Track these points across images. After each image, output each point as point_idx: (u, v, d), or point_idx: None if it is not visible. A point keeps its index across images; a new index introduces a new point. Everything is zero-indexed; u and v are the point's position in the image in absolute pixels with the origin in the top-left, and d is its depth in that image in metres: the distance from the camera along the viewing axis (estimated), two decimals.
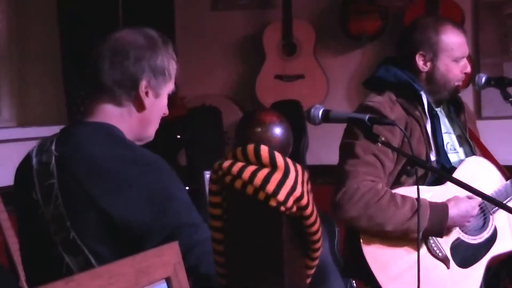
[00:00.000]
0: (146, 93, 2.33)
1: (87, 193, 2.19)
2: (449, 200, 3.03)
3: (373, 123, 2.64)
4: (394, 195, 3.00)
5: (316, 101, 5.55)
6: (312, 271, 2.59)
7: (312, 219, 2.38)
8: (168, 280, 1.77)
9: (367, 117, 2.64)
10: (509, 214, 3.08)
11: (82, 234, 2.20)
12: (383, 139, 2.63)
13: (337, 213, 2.99)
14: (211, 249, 2.19)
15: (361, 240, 3.01)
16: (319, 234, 2.46)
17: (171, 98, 6.36)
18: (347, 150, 3.09)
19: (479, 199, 3.04)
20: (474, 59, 5.55)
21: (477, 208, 3.06)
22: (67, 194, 2.23)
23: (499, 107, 5.16)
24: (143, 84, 2.31)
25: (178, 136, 5.51)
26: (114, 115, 2.32)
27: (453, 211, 3.01)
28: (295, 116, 5.46)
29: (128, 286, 1.63)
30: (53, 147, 2.29)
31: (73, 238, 2.20)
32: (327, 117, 2.74)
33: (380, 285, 2.98)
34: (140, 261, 1.69)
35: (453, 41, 3.18)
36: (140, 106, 2.34)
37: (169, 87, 2.39)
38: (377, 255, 3.00)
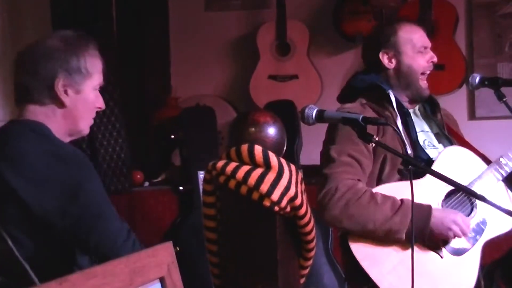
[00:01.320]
0: (65, 91, 2.51)
1: (8, 184, 2.38)
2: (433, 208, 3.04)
3: (366, 123, 2.64)
4: (374, 194, 3.00)
5: (310, 101, 5.53)
6: (306, 271, 2.60)
7: (306, 219, 2.39)
8: (162, 280, 1.77)
9: (360, 117, 2.64)
10: (498, 198, 3.08)
11: (4, 223, 2.37)
12: (377, 138, 2.63)
13: (320, 215, 3.01)
14: (110, 243, 2.38)
15: (349, 242, 3.02)
16: (313, 234, 2.46)
17: (165, 98, 6.32)
18: (324, 156, 3.14)
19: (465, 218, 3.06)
20: (468, 59, 5.56)
21: (460, 218, 3.06)
22: None
23: (493, 107, 5.19)
24: (60, 83, 2.49)
25: (172, 136, 5.51)
26: (41, 113, 2.52)
27: (436, 213, 3.00)
28: (289, 116, 5.45)
29: (123, 286, 1.63)
30: None
31: None
32: (321, 117, 2.74)
33: (375, 283, 2.98)
34: (135, 261, 1.69)
35: (411, 34, 3.26)
36: (60, 104, 2.52)
37: (92, 82, 2.56)
38: (367, 253, 3.01)
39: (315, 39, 5.91)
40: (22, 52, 2.56)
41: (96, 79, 2.56)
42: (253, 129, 2.41)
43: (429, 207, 3.00)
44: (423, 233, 2.97)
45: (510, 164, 3.19)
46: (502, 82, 3.37)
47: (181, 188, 5.27)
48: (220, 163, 2.36)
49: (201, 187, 2.76)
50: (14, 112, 5.29)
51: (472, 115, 5.49)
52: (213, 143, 5.50)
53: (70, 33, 2.58)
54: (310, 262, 2.55)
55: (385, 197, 3.00)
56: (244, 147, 2.35)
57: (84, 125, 2.58)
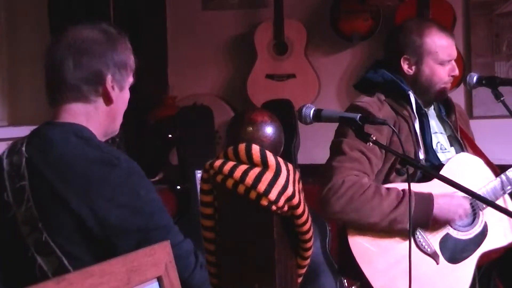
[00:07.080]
0: (112, 87, 2.35)
1: (57, 194, 2.19)
2: (436, 194, 3.04)
3: (364, 122, 2.64)
4: (379, 187, 3.01)
5: (308, 100, 5.55)
6: (304, 271, 2.59)
7: (304, 218, 2.38)
8: (159, 279, 1.77)
9: (358, 117, 2.63)
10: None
11: (55, 235, 2.20)
12: (374, 138, 2.62)
13: (323, 208, 3.00)
14: (182, 253, 2.21)
15: (348, 236, 3.02)
16: (310, 233, 2.46)
17: (162, 97, 6.30)
18: (334, 148, 3.12)
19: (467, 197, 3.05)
20: (466, 58, 5.56)
21: (466, 202, 3.06)
22: (38, 196, 2.23)
23: (491, 106, 5.19)
24: (109, 78, 2.33)
25: (170, 136, 5.51)
26: (81, 113, 2.33)
27: (439, 200, 3.00)
28: (287, 115, 5.46)
29: (120, 285, 1.62)
30: (24, 149, 2.29)
31: (45, 239, 2.20)
32: (319, 117, 2.74)
33: (368, 280, 2.99)
34: (132, 260, 1.68)
35: (438, 44, 3.18)
36: (108, 100, 2.35)
37: (130, 79, 2.43)
38: (364, 250, 3.01)
39: (313, 38, 5.91)
40: (58, 47, 2.34)
41: (131, 75, 2.43)
42: (250, 128, 2.40)
43: (430, 195, 3.01)
44: (426, 220, 3.00)
45: None
46: (500, 81, 3.37)
47: (178, 187, 5.28)
48: (218, 162, 2.36)
49: (198, 186, 2.76)
50: (10, 112, 5.30)
51: (469, 115, 5.48)
52: (210, 142, 5.51)
53: (106, 25, 2.41)
54: (308, 261, 2.54)
55: (388, 189, 3.01)
56: (242, 146, 2.34)
57: (118, 125, 2.43)
